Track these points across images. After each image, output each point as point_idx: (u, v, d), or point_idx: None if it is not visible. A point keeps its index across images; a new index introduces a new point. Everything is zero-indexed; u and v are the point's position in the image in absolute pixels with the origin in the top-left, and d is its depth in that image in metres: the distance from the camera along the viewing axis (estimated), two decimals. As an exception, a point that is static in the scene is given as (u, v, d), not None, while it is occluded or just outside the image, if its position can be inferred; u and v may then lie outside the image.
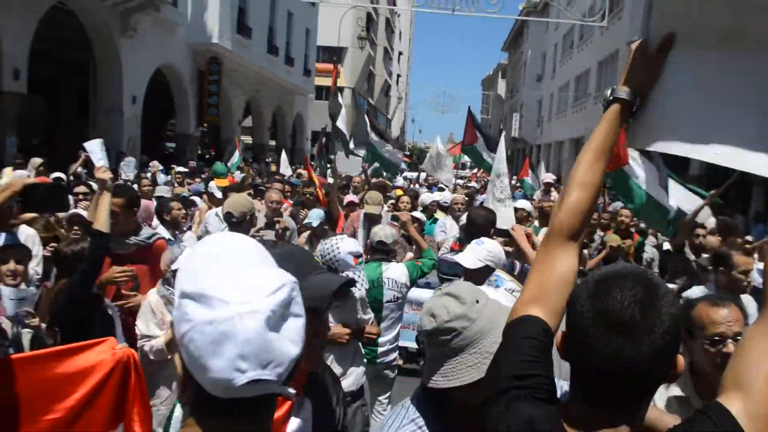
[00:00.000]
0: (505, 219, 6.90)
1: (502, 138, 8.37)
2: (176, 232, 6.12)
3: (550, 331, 1.44)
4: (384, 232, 4.83)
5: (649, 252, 7.54)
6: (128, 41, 17.93)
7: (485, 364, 1.64)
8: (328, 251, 3.52)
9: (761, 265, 5.43)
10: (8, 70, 13.86)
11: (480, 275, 3.43)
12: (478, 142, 10.69)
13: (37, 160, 10.70)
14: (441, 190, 13.26)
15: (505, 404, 1.33)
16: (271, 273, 1.10)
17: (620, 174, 6.15)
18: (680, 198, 6.15)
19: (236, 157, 16.05)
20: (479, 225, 4.60)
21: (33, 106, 17.72)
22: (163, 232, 5.67)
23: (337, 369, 3.64)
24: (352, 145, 12.74)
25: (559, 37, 43.56)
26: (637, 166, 5.98)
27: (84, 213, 6.38)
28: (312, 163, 12.21)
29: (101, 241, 3.67)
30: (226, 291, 1.03)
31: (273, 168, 18.10)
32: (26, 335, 3.22)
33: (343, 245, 3.57)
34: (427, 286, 6.24)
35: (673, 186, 6.17)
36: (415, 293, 6.22)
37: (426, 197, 9.85)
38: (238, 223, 4.99)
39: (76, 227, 5.40)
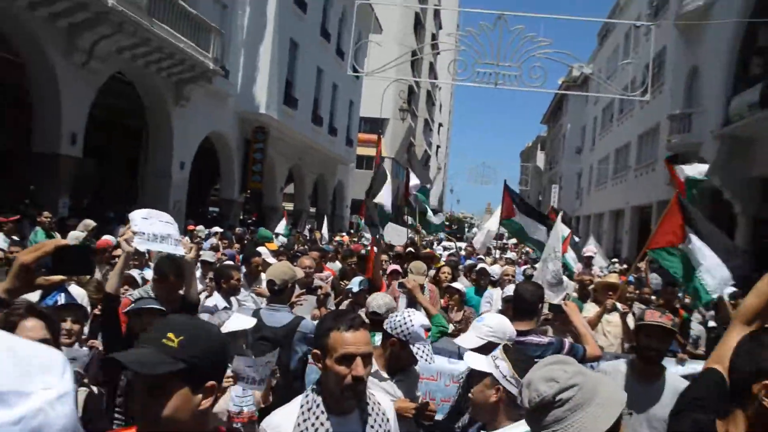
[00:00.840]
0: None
1: (559, 218, 8.14)
2: (231, 298, 6.20)
3: (724, 378, 2.05)
4: (377, 301, 4.68)
5: (695, 329, 7.42)
6: (180, 110, 18.66)
7: (611, 414, 1.77)
8: (400, 323, 3.44)
9: None
10: (66, 135, 14.43)
11: (483, 352, 3.29)
12: (516, 215, 10.45)
13: (90, 222, 11.04)
14: (481, 260, 13.20)
15: (684, 416, 2.10)
16: (41, 348, 0.97)
17: (670, 251, 6.16)
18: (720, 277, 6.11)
19: (283, 224, 16.39)
20: (527, 300, 4.39)
21: (86, 169, 18.35)
22: (219, 300, 5.80)
23: None
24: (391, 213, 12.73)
25: (599, 110, 43.85)
26: (693, 246, 5.97)
27: (136, 273, 6.60)
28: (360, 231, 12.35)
29: (110, 304, 3.86)
30: (18, 381, 0.88)
31: (318, 235, 18.31)
32: (81, 393, 3.26)
33: (416, 318, 3.49)
34: (461, 358, 6.16)
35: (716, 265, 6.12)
36: (452, 365, 6.13)
37: (496, 268, 9.66)
38: (281, 290, 4.99)
39: (126, 287, 5.56)
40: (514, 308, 4.54)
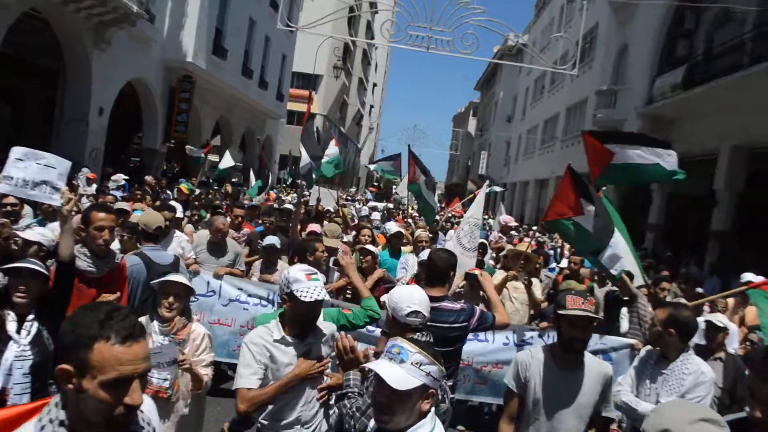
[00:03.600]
0: (465, 267, 6.95)
1: (484, 187, 8.31)
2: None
3: None
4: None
5: (598, 295, 7.67)
6: (101, 53, 17.72)
7: None
8: (283, 278, 3.35)
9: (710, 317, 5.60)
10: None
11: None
12: (420, 180, 10.49)
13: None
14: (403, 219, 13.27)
15: None
16: None
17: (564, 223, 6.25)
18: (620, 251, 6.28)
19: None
20: (440, 267, 4.44)
21: (-2, 112, 17.35)
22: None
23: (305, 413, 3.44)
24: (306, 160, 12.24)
25: (531, 81, 44.44)
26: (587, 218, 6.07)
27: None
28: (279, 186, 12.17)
29: (63, 270, 3.67)
30: None
31: (228, 189, 17.95)
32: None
33: (294, 267, 3.41)
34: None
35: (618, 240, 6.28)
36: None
37: (391, 227, 9.65)
38: (156, 235, 5.68)
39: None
40: (427, 275, 4.60)
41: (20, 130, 20.90)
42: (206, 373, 4.06)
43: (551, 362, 3.67)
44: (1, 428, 1.97)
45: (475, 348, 6.32)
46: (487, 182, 9.24)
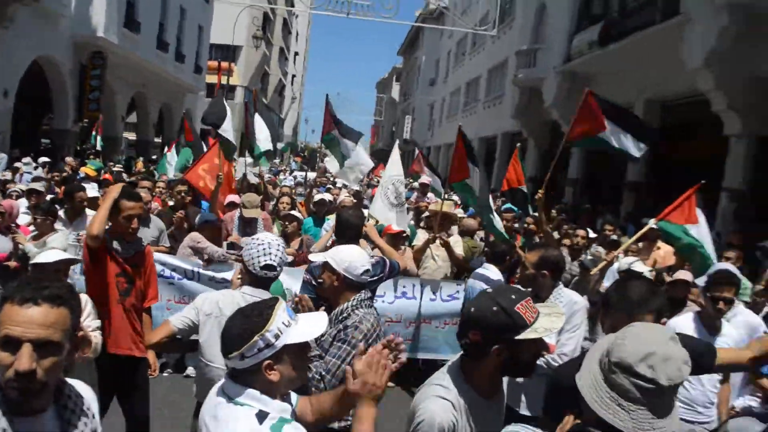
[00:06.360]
0: (401, 223, 7.11)
1: (396, 145, 8.40)
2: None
3: None
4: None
5: None
6: (3, 31, 16.70)
7: None
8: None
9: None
10: None
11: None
12: (333, 130, 10.41)
13: None
14: (328, 190, 13.19)
15: None
16: None
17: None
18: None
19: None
20: (354, 225, 4.51)
21: None
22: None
23: None
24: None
25: (453, 44, 44.60)
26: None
27: None
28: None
29: None
30: None
31: (139, 165, 17.57)
32: None
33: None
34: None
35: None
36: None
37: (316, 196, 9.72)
38: None
39: None
40: (337, 234, 4.62)
41: None
42: (96, 335, 3.97)
43: (475, 397, 2.36)
44: None
45: (404, 305, 6.51)
46: (398, 143, 9.22)
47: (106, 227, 4.23)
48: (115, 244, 4.36)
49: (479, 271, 5.90)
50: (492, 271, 5.78)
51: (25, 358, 1.66)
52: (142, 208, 4.68)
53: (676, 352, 1.74)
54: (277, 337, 2.02)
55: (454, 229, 8.46)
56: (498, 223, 6.90)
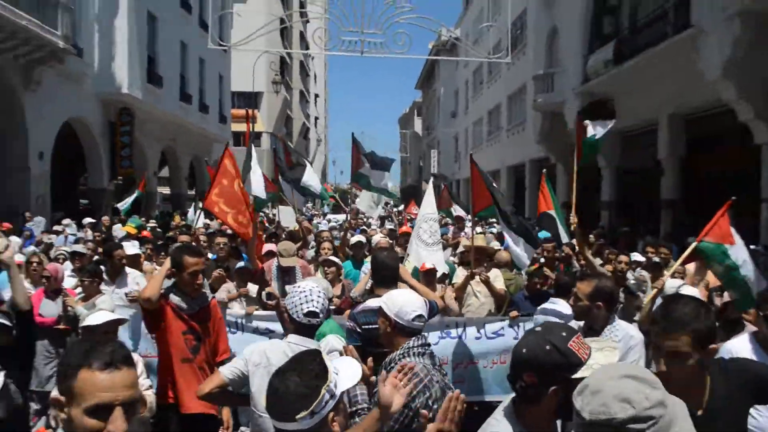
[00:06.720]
0: (436, 262, 6.95)
1: (431, 182, 8.43)
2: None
3: None
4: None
5: None
6: (32, 95, 17.26)
7: None
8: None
9: None
10: None
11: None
12: (363, 167, 10.36)
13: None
14: (363, 232, 13.17)
15: None
16: None
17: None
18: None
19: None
20: (390, 267, 4.44)
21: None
22: None
23: None
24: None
25: (469, 73, 44.86)
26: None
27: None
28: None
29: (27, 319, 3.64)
30: None
31: (176, 220, 17.73)
32: None
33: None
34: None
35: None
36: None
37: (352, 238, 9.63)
38: None
39: None
40: (374, 276, 4.56)
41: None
42: (149, 394, 4.05)
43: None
44: None
45: (449, 344, 6.29)
46: (432, 178, 9.29)
47: (171, 283, 4.25)
48: (179, 301, 4.33)
49: (547, 306, 5.66)
50: (561, 305, 5.55)
51: (120, 421, 1.71)
52: (204, 263, 4.68)
53: (610, 388, 1.61)
54: (336, 385, 2.00)
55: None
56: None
